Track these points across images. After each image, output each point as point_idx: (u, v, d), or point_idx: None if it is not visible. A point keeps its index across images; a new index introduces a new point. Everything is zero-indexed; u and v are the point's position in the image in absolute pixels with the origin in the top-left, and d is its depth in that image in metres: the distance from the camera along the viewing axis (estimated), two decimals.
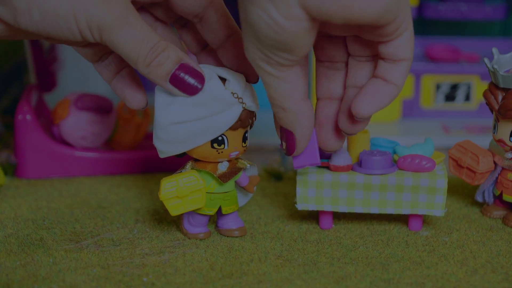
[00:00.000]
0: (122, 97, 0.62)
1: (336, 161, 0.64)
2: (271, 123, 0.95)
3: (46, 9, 0.54)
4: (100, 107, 0.79)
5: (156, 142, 0.60)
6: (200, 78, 0.58)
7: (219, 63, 0.62)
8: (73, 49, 0.61)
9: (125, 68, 0.61)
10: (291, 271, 0.59)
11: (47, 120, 0.81)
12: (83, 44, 0.60)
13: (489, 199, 0.69)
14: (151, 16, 0.62)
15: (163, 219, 0.67)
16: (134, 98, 0.61)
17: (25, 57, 0.95)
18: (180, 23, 0.63)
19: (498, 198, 0.69)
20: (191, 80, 0.58)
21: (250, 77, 0.61)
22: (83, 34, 0.55)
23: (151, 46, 0.56)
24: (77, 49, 0.61)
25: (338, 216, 0.68)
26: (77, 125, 0.78)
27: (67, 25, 0.55)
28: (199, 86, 0.58)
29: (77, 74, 1.00)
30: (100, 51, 0.61)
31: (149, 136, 0.83)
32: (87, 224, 0.66)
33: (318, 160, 0.59)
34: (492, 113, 0.67)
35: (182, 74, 0.58)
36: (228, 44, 0.60)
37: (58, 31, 0.55)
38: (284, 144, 0.59)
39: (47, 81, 0.88)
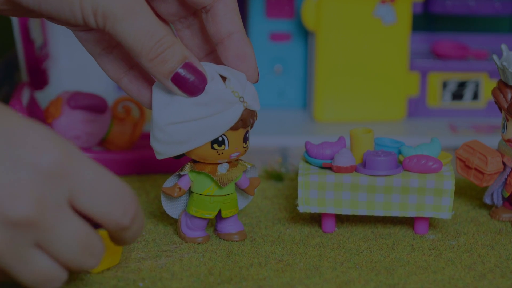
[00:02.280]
0: (139, 98, 0.62)
1: (339, 161, 0.64)
2: (271, 122, 0.95)
3: None
4: (94, 106, 0.79)
5: (154, 143, 0.60)
6: (203, 79, 0.58)
7: None
8: (75, 36, 0.61)
9: (137, 66, 0.62)
10: (293, 276, 0.59)
11: (39, 120, 0.82)
12: (85, 28, 0.60)
13: (498, 201, 0.69)
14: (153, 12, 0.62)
15: (159, 222, 0.67)
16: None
17: (16, 54, 0.95)
18: (182, 24, 0.63)
19: (508, 200, 0.69)
20: (193, 81, 0.58)
21: (251, 77, 0.61)
22: (86, 19, 0.55)
23: (157, 40, 0.56)
24: (79, 36, 0.61)
25: (341, 219, 0.68)
26: (71, 124, 0.78)
27: (70, 7, 0.55)
28: (201, 88, 0.58)
29: (71, 71, 1.00)
30: (104, 39, 0.61)
31: (145, 136, 0.83)
32: None
33: None
34: (501, 112, 0.67)
35: (185, 74, 0.58)
36: (229, 42, 0.60)
37: (60, 12, 0.55)
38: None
39: (39, 78, 0.88)
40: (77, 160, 0.49)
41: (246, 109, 0.60)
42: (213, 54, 0.64)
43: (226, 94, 0.59)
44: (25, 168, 0.47)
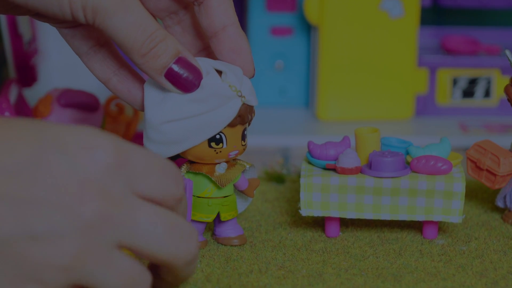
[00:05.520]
0: (129, 100, 0.62)
1: (343, 162, 0.64)
2: (272, 121, 0.95)
3: None
4: (86, 103, 0.79)
5: (147, 144, 0.60)
6: (198, 74, 0.58)
7: None
8: (60, 34, 0.61)
9: (126, 65, 0.62)
10: (295, 283, 0.59)
11: (28, 118, 0.81)
12: (72, 25, 0.60)
13: (511, 204, 0.69)
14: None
15: None
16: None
17: (4, 50, 0.95)
18: (172, 20, 0.63)
19: None
20: (188, 76, 0.58)
21: (247, 71, 0.61)
22: (75, 14, 0.55)
23: (149, 35, 0.56)
24: (64, 34, 0.61)
25: (345, 223, 0.68)
26: (61, 123, 0.78)
27: (58, 2, 0.55)
28: (196, 83, 0.58)
29: (61, 67, 1.00)
30: (91, 36, 0.61)
31: (139, 136, 0.83)
32: None
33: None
34: None
35: (179, 69, 0.58)
36: (223, 35, 0.60)
37: (47, 6, 0.56)
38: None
39: (28, 75, 0.88)
40: (126, 148, 0.49)
41: (244, 104, 0.60)
42: (205, 51, 0.64)
43: (223, 88, 0.59)
44: (83, 169, 0.47)
